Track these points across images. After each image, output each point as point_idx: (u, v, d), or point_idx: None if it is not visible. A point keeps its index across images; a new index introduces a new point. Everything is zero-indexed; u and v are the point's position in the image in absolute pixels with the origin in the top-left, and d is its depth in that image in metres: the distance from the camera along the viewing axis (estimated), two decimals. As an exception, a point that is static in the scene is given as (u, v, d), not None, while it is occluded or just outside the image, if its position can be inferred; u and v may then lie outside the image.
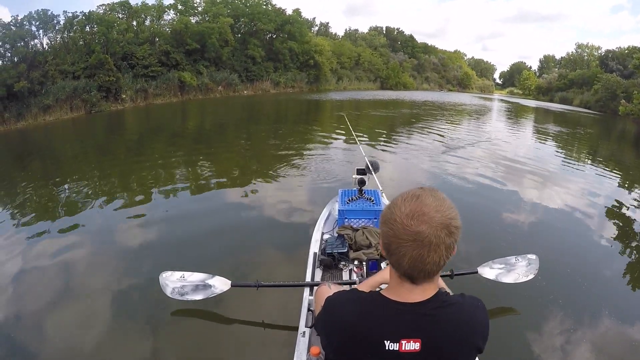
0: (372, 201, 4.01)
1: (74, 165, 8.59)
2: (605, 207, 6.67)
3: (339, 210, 3.90)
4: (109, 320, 3.14)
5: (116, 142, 11.74)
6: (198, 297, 2.90)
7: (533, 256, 3.43)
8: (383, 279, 1.79)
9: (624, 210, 6.68)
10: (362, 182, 4.16)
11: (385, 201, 4.23)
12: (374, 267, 2.14)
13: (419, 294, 1.14)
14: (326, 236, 3.65)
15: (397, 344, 1.10)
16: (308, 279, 2.95)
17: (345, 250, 3.29)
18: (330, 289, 1.90)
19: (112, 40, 22.04)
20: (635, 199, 7.48)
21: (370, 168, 4.39)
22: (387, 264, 1.91)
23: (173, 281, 2.94)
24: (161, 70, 23.45)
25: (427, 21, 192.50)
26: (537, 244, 4.73)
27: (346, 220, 3.85)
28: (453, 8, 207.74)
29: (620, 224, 6.05)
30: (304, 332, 2.38)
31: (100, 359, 2.76)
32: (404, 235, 1.05)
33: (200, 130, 14.30)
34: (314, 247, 3.43)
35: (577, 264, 4.36)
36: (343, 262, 3.16)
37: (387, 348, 1.10)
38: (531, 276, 3.33)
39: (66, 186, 6.89)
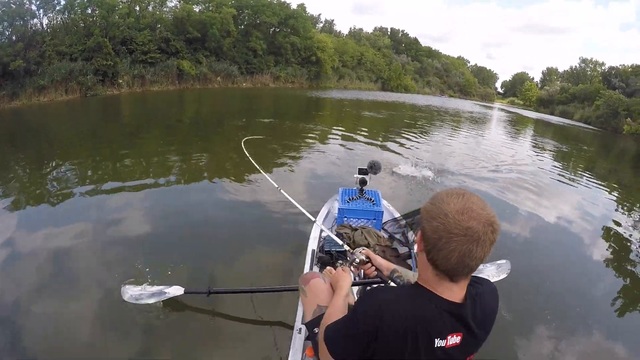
0: (372, 202, 4.03)
1: (66, 149, 8.46)
2: (599, 223, 6.74)
3: (339, 208, 3.93)
4: (90, 316, 3.09)
5: (110, 128, 11.63)
6: (152, 300, 3.01)
7: (503, 261, 3.47)
8: (342, 296, 1.76)
9: (617, 227, 6.69)
10: (363, 182, 4.19)
11: (385, 203, 4.30)
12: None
13: (458, 292, 1.20)
14: (324, 234, 3.64)
15: (444, 340, 1.18)
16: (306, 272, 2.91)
17: (343, 248, 3.29)
18: (325, 283, 2.00)
19: (112, 23, 21.76)
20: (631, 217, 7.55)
21: (372, 168, 4.35)
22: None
23: (133, 290, 3.06)
24: (160, 57, 23.24)
25: (434, 24, 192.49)
26: (524, 255, 4.85)
27: (345, 219, 3.89)
28: (462, 13, 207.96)
29: (613, 241, 6.07)
30: (300, 329, 2.38)
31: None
32: (456, 230, 1.09)
33: (197, 120, 14.18)
34: (312, 244, 3.45)
35: (566, 279, 4.49)
36: (340, 261, 3.05)
37: (435, 345, 1.17)
38: (503, 275, 3.38)
39: (54, 172, 6.79)
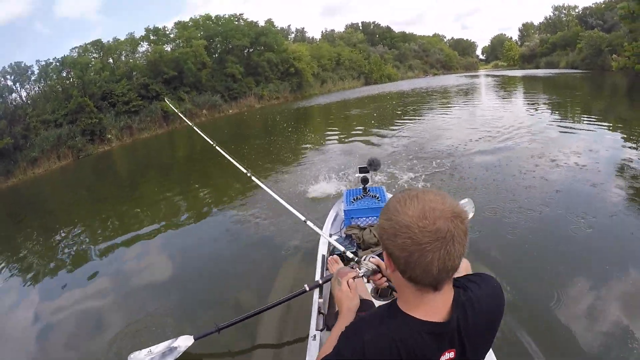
0: (378, 198, 4.00)
1: (68, 215, 8.52)
2: (609, 162, 6.68)
3: (344, 210, 3.89)
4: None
5: (107, 184, 11.70)
6: None
7: (465, 200, 3.41)
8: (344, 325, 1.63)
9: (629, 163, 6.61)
10: (365, 180, 4.15)
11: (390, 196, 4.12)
12: None
13: (443, 304, 1.11)
14: (334, 237, 3.62)
15: None
16: (317, 278, 2.91)
17: (354, 249, 3.32)
18: (362, 280, 1.88)
19: (89, 81, 21.95)
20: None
21: (372, 165, 4.31)
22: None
23: (141, 358, 2.92)
24: (142, 103, 23.37)
25: (403, 9, 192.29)
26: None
27: (353, 220, 3.84)
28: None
29: (628, 178, 5.98)
30: (315, 336, 2.36)
31: None
32: (425, 238, 0.98)
33: (190, 158, 14.25)
34: (322, 249, 3.43)
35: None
36: (352, 262, 3.03)
37: None
38: (470, 215, 3.22)
39: (59, 238, 6.86)
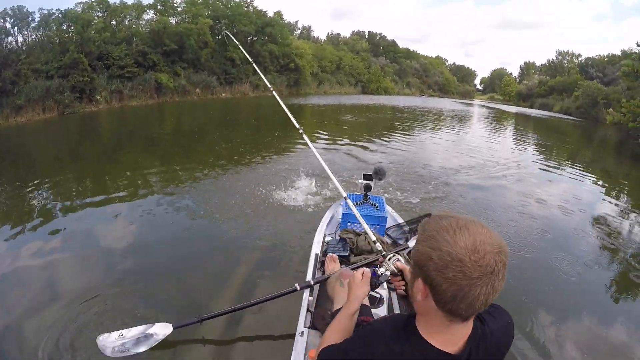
0: (377, 207, 4.03)
1: (46, 170, 8.46)
2: (586, 211, 7.12)
3: (342, 213, 3.91)
4: None
5: (90, 146, 11.72)
6: (141, 349, 2.68)
7: None
8: (349, 312, 1.64)
9: (606, 215, 7.07)
10: (368, 188, 4.19)
11: (389, 209, 4.26)
12: (374, 273, 1.96)
13: (462, 336, 1.10)
14: (328, 238, 3.68)
15: None
16: (309, 278, 2.87)
17: (347, 254, 3.36)
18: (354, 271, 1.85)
19: (88, 39, 21.65)
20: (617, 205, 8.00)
21: (377, 174, 4.34)
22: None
23: (112, 341, 2.69)
24: (138, 71, 23.13)
25: (412, 26, 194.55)
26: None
27: (349, 224, 3.85)
28: (438, 13, 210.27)
29: (602, 229, 6.36)
30: (302, 332, 2.35)
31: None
32: (476, 273, 0.96)
33: (178, 133, 14.34)
34: (316, 249, 3.42)
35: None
36: (344, 265, 3.09)
37: None
38: None
39: (36, 192, 6.78)
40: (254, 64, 5.21)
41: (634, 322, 3.81)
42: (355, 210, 3.00)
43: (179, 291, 3.77)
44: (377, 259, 2.65)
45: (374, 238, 2.71)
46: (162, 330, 2.74)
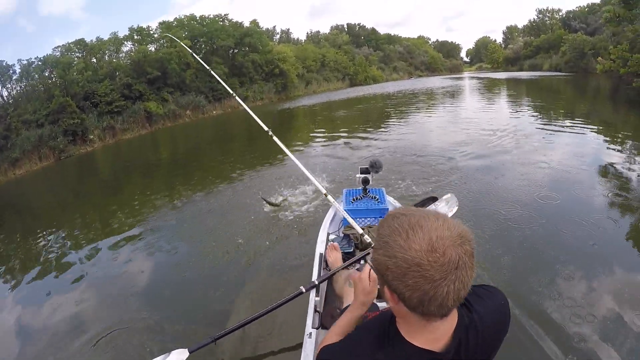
0: (377, 200, 3.99)
1: (50, 218, 8.52)
2: (593, 164, 7.01)
3: (344, 209, 3.81)
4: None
5: (90, 186, 11.73)
6: None
7: (448, 195, 3.55)
8: (353, 317, 1.59)
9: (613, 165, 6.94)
10: (366, 181, 4.12)
11: (390, 199, 4.22)
12: None
13: (446, 329, 1.04)
14: (332, 237, 3.62)
15: None
16: (314, 278, 2.81)
17: (352, 250, 3.33)
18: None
19: (71, 81, 21.83)
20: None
21: (374, 167, 4.23)
22: None
23: None
24: (125, 103, 23.26)
25: (390, 11, 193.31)
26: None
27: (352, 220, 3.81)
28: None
29: (611, 178, 6.30)
30: (310, 334, 2.32)
31: None
32: (439, 273, 0.89)
33: (175, 158, 14.34)
34: (320, 248, 3.38)
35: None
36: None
37: None
38: (455, 208, 3.50)
39: (42, 241, 6.84)
40: (207, 67, 5.21)
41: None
42: (339, 207, 2.95)
43: (190, 316, 3.77)
44: (368, 254, 2.57)
45: (360, 232, 2.68)
46: (178, 357, 2.68)
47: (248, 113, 4.86)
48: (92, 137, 20.08)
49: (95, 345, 3.50)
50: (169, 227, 6.48)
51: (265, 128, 4.03)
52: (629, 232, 4.46)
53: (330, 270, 2.85)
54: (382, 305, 2.39)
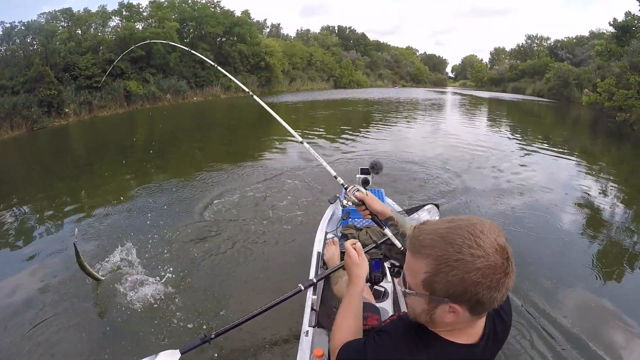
0: None
1: (18, 190, 8.39)
2: (566, 190, 7.50)
3: (342, 210, 3.81)
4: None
5: (62, 161, 11.62)
6: None
7: (429, 205, 3.53)
8: (356, 292, 1.59)
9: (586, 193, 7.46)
10: (365, 182, 4.16)
11: (389, 200, 4.28)
12: (377, 266, 1.98)
13: (481, 325, 1.11)
14: (330, 236, 3.61)
15: None
16: (312, 277, 2.82)
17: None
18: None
19: (53, 50, 21.39)
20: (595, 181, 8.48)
21: (374, 168, 4.28)
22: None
23: None
24: (106, 80, 22.71)
25: (382, 19, 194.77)
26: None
27: (350, 220, 3.79)
28: (408, 4, 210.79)
29: (583, 207, 6.73)
30: (307, 332, 2.34)
31: None
32: (510, 267, 0.96)
33: (150, 142, 14.21)
34: (318, 247, 3.40)
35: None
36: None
37: None
38: (435, 217, 3.44)
39: (9, 213, 6.64)
40: (214, 63, 5.05)
41: (621, 294, 4.07)
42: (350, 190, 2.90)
43: (184, 314, 3.58)
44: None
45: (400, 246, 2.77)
46: (168, 358, 2.42)
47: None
48: (67, 110, 19.68)
49: (28, 333, 3.39)
50: (138, 209, 6.34)
51: (296, 136, 3.26)
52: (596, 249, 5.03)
53: (327, 269, 2.74)
54: (380, 305, 2.56)
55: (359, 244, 1.72)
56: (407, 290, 1.08)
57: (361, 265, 1.63)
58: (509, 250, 0.96)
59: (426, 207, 3.47)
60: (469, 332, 1.07)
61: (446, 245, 0.96)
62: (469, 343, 1.07)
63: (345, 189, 2.22)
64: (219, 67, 4.19)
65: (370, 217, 2.05)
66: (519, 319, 3.49)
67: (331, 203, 3.76)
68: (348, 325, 1.45)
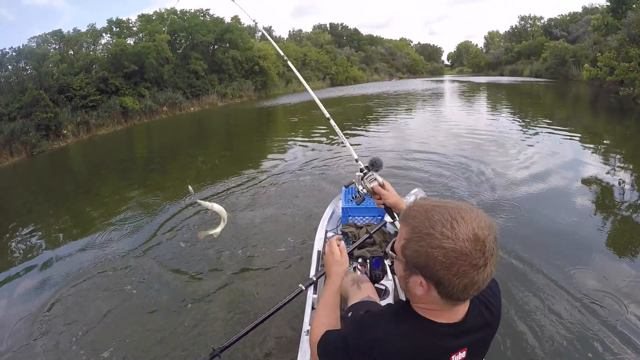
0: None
1: (22, 216, 8.33)
2: (574, 171, 7.32)
3: (342, 207, 3.85)
4: None
5: (63, 183, 11.57)
6: None
7: (415, 189, 3.62)
8: (334, 288, 1.61)
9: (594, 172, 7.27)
10: (378, 164, 4.14)
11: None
12: (377, 264, 1.99)
13: (464, 307, 1.13)
14: (330, 234, 3.64)
15: None
16: (312, 275, 2.71)
17: (349, 250, 3.35)
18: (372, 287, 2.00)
19: (45, 73, 21.38)
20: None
21: (374, 166, 4.27)
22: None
23: None
24: (101, 98, 22.82)
25: (374, 12, 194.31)
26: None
27: (350, 218, 3.82)
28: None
29: (592, 186, 6.58)
30: (308, 331, 2.33)
31: None
32: (482, 261, 0.97)
33: (150, 156, 14.32)
34: (318, 245, 3.42)
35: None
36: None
37: None
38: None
39: (14, 240, 6.64)
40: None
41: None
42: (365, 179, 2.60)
43: (189, 331, 3.58)
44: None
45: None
46: None
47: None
48: (65, 132, 19.67)
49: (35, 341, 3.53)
50: (142, 227, 6.28)
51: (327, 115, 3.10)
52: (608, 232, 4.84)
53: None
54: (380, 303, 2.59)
55: (342, 243, 1.75)
56: (390, 253, 1.14)
57: (342, 263, 1.64)
58: (487, 246, 0.97)
59: (413, 192, 3.58)
60: (448, 315, 1.10)
61: (425, 219, 1.01)
62: (449, 322, 1.10)
63: (364, 174, 2.26)
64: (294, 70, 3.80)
65: (383, 206, 2.06)
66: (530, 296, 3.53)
67: (346, 188, 3.78)
68: (322, 322, 1.45)
